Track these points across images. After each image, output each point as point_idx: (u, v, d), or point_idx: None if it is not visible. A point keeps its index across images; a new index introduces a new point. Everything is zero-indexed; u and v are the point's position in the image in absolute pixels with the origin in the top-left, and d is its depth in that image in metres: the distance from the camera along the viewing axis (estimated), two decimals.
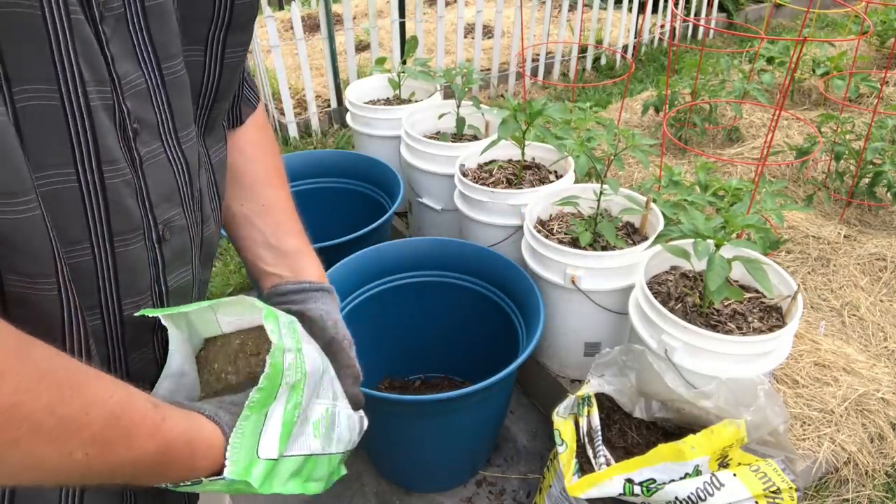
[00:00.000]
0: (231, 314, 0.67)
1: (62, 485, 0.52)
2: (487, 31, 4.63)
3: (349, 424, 0.73)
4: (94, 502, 0.60)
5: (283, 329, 0.60)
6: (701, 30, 4.92)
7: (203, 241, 0.68)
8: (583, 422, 1.33)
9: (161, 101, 0.57)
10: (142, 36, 0.55)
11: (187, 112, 0.61)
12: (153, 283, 0.61)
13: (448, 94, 3.19)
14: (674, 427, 1.47)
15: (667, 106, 2.71)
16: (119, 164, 0.53)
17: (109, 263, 0.55)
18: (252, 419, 0.57)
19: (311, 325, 0.78)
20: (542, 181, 1.96)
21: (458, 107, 2.23)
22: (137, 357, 0.63)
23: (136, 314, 0.60)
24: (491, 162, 2.07)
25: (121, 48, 0.53)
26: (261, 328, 0.65)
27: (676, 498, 1.16)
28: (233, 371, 0.66)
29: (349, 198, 2.33)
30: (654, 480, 1.19)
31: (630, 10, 4.43)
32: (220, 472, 0.54)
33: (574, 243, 1.69)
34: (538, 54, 4.16)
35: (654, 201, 1.73)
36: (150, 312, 0.59)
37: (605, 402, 1.46)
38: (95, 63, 0.50)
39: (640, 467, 1.21)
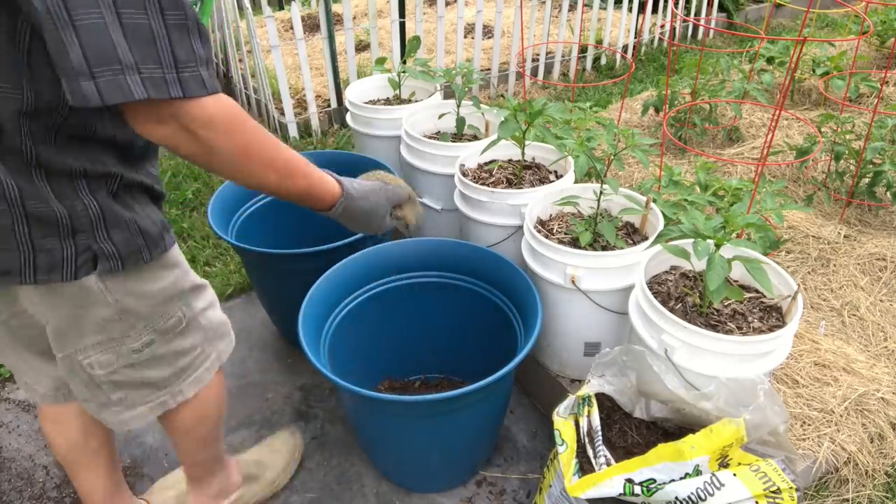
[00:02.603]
0: None
1: (269, 190, 1.04)
2: (487, 31, 4.63)
3: None
4: None
5: None
6: (701, 30, 4.93)
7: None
8: (583, 422, 1.33)
9: None
10: None
11: None
12: None
13: (448, 94, 3.20)
14: (674, 427, 1.47)
15: (667, 106, 2.71)
16: None
17: None
18: None
19: None
20: (542, 181, 1.96)
21: (458, 107, 2.23)
22: None
23: None
24: (491, 162, 2.07)
25: None
26: None
27: (676, 498, 1.16)
28: None
29: None
30: (654, 480, 1.19)
31: (630, 10, 4.43)
32: (332, 207, 1.16)
33: (574, 243, 1.68)
34: (538, 54, 4.16)
35: (654, 201, 1.73)
36: None
37: (605, 402, 1.46)
38: None
39: (641, 467, 1.21)
